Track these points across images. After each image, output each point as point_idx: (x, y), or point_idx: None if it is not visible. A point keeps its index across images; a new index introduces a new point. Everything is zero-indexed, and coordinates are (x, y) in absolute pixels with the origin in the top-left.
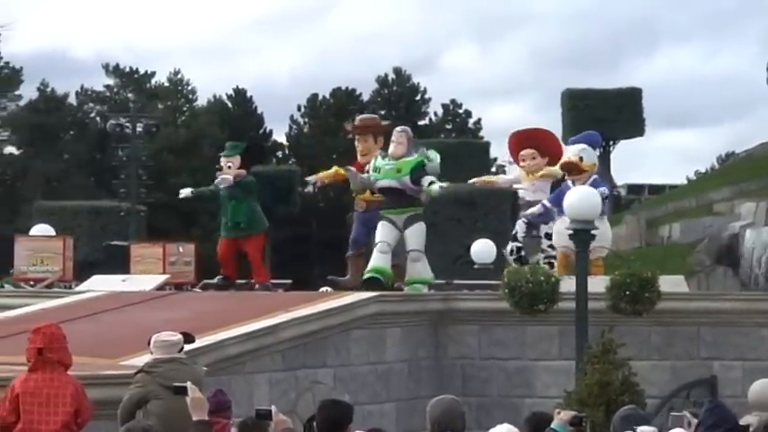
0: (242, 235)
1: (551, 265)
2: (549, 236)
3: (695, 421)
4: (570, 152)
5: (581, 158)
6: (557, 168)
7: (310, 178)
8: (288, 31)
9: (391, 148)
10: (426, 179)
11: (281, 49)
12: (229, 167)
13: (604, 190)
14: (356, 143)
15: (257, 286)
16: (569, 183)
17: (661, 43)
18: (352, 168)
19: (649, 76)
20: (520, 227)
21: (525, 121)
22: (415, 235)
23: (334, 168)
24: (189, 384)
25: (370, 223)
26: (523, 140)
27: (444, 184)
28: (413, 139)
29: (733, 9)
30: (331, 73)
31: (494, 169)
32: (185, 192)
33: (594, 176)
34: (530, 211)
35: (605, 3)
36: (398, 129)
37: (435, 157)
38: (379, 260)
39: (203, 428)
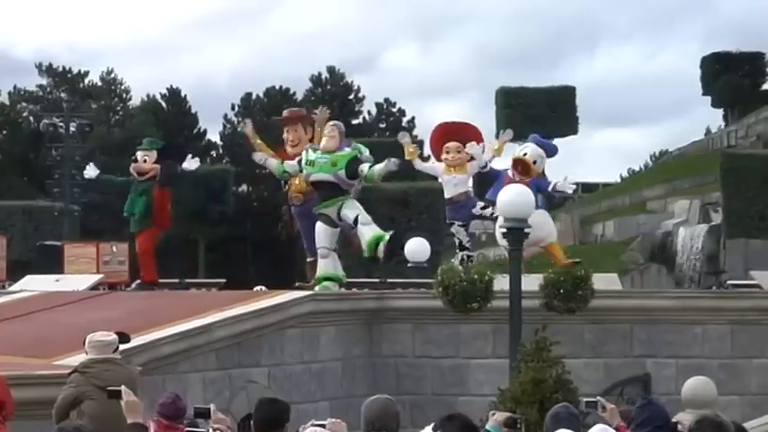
0: (137, 229)
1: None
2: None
3: (611, 406)
4: (530, 150)
5: (535, 162)
6: (482, 153)
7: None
8: (228, 30)
9: (323, 142)
10: (363, 168)
11: (221, 49)
12: (145, 161)
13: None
14: (285, 134)
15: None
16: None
17: (602, 42)
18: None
19: (590, 74)
20: (461, 233)
21: (463, 119)
22: (352, 207)
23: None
24: (123, 388)
25: (312, 218)
26: (450, 133)
27: (380, 165)
28: (344, 133)
29: (674, 8)
30: (269, 72)
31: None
32: (90, 172)
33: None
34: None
35: (547, 2)
36: (330, 123)
37: (366, 150)
38: (324, 267)
39: (138, 431)
